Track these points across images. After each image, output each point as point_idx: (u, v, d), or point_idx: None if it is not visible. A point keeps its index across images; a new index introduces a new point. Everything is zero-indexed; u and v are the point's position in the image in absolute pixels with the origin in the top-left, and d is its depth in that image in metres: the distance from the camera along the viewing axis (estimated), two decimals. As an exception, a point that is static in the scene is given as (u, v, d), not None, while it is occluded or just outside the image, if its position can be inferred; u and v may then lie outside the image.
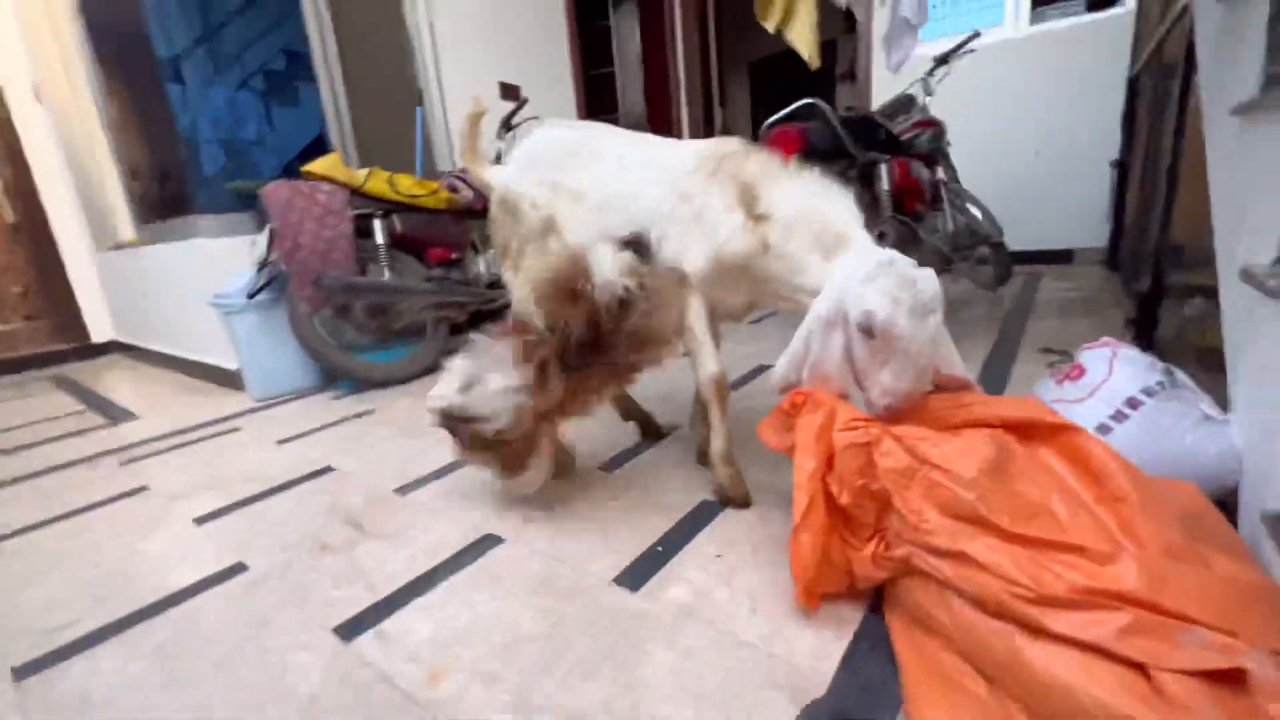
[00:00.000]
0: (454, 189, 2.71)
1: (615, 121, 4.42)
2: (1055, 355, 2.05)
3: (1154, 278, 1.90)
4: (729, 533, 1.17)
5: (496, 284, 2.75)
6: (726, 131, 5.27)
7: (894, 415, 0.93)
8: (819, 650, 0.85)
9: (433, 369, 2.62)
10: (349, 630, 1.00)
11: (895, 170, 2.56)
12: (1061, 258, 3.79)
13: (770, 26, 1.75)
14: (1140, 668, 0.59)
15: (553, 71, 3.94)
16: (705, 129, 4.80)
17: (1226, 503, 0.88)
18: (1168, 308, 1.97)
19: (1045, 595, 0.64)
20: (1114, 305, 2.67)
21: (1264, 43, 0.95)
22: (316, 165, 2.32)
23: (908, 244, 2.60)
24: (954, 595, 0.73)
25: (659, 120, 4.62)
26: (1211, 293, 1.78)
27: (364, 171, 2.43)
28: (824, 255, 1.07)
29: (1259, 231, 0.89)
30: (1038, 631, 0.65)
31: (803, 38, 1.68)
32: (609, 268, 1.16)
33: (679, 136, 4.69)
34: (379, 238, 2.44)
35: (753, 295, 1.21)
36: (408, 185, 2.51)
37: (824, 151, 2.34)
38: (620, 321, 1.16)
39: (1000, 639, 0.68)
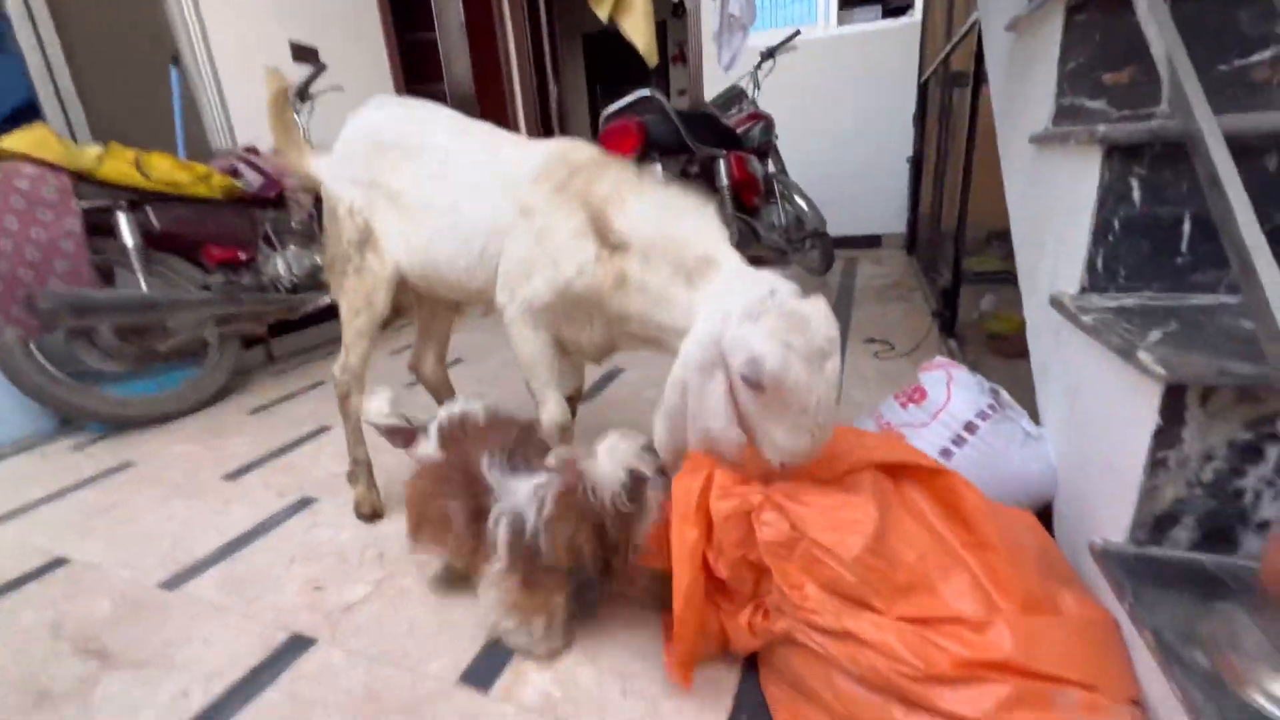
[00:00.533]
0: (234, 173, 2.21)
1: (441, 96, 3.98)
2: (878, 344, 2.22)
3: (954, 274, 2.11)
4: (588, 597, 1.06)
5: (303, 286, 2.32)
6: (562, 110, 5.05)
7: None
8: (698, 731, 0.78)
9: (221, 395, 2.14)
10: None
11: (733, 164, 2.59)
12: (871, 242, 4.20)
13: (603, 15, 1.59)
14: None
15: (361, 33, 3.41)
16: (540, 104, 4.54)
17: (1046, 513, 0.95)
18: (966, 296, 2.22)
19: (932, 673, 0.61)
20: (917, 289, 2.99)
21: (1055, 76, 1.02)
22: (13, 140, 1.72)
23: (749, 243, 2.66)
24: (835, 669, 0.68)
25: (489, 96, 4.26)
26: (999, 281, 2.02)
27: (94, 150, 1.86)
28: (688, 284, 0.90)
29: (1062, 258, 0.95)
30: (919, 707, 0.62)
31: (637, 29, 1.56)
32: (603, 460, 0.83)
33: (512, 113, 4.40)
34: (126, 237, 1.90)
35: (609, 335, 1.06)
36: (166, 169, 1.98)
37: (664, 146, 2.27)
38: (629, 532, 0.83)
39: (882, 714, 0.64)
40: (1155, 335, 0.70)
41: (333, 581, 1.13)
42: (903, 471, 0.80)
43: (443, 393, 1.52)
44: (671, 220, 0.95)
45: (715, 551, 0.75)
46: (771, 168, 3.08)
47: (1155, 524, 0.69)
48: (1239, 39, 0.86)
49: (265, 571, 1.17)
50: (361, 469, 1.33)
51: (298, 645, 0.98)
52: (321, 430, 1.84)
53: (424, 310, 1.44)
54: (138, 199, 1.93)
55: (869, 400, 1.66)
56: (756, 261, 0.92)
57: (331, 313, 3.11)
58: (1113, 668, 0.61)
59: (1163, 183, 0.82)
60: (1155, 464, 0.67)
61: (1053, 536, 0.88)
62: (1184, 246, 0.83)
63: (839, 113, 3.98)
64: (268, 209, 2.29)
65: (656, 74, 6.53)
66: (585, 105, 6.91)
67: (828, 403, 0.75)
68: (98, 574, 1.20)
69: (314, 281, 2.35)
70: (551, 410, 1.12)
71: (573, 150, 1.06)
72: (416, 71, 3.82)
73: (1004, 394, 1.00)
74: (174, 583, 1.16)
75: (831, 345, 0.75)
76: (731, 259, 0.91)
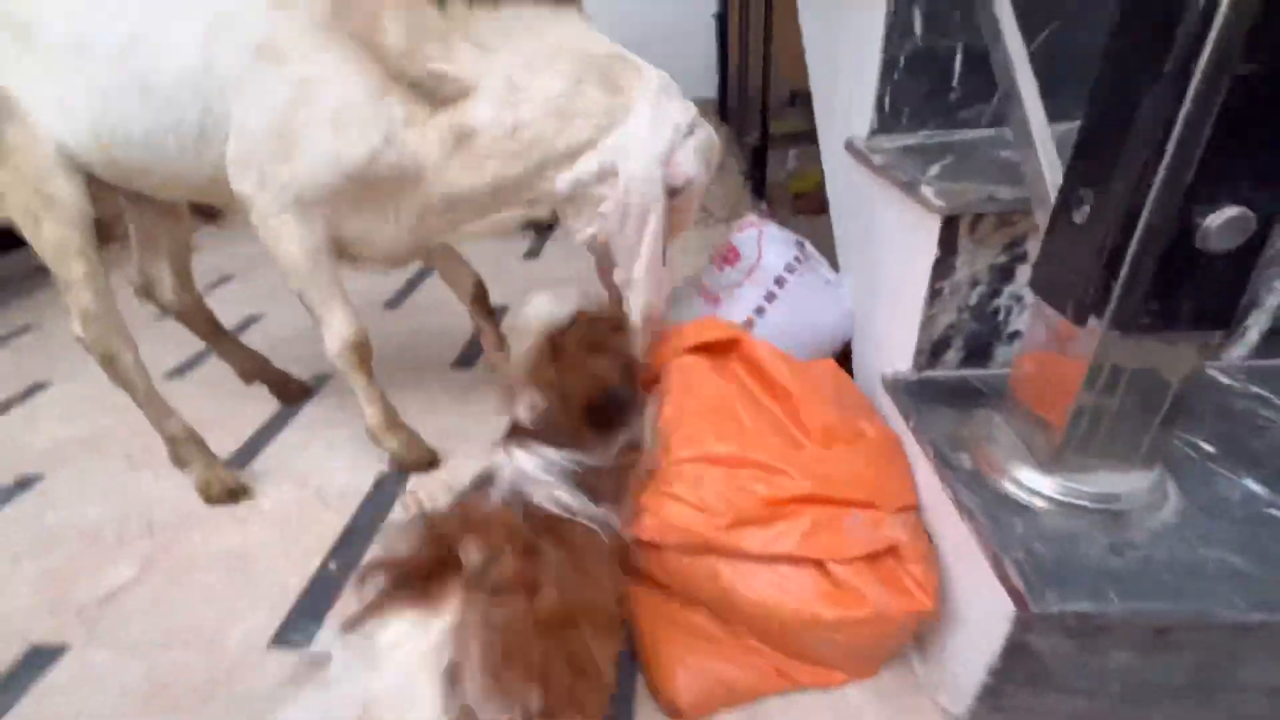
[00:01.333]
0: None
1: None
2: (709, 214, 2.22)
3: (761, 135, 2.13)
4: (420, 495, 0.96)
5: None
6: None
7: None
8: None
9: None
10: None
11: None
12: (686, 109, 4.12)
13: None
14: (819, 565, 0.63)
15: None
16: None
17: (845, 353, 1.02)
18: (771, 158, 2.27)
19: (740, 518, 0.63)
20: (731, 155, 3.01)
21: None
22: None
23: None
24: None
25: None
26: (804, 141, 2.07)
27: None
28: (607, 89, 0.76)
29: (854, 102, 0.95)
30: (735, 557, 0.64)
31: None
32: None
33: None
34: None
35: (423, 226, 0.85)
36: None
37: None
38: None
39: (708, 577, 0.66)
40: (934, 170, 0.73)
41: (83, 569, 0.91)
42: (719, 348, 0.80)
43: (198, 320, 1.19)
44: (533, 24, 0.75)
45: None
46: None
47: (932, 349, 0.76)
48: None
49: (-19, 573, 0.91)
50: (187, 444, 1.01)
51: (39, 659, 0.78)
52: (35, 388, 1.42)
53: (134, 212, 1.06)
54: None
55: (693, 268, 1.67)
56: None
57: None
58: (892, 481, 0.68)
59: (939, 10, 0.81)
60: (934, 294, 0.72)
61: (852, 374, 0.95)
62: (955, 81, 0.86)
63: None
64: None
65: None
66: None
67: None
68: None
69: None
70: (339, 328, 0.88)
71: None
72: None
73: (808, 245, 1.02)
74: None
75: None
76: (632, 54, 0.80)
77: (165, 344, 1.45)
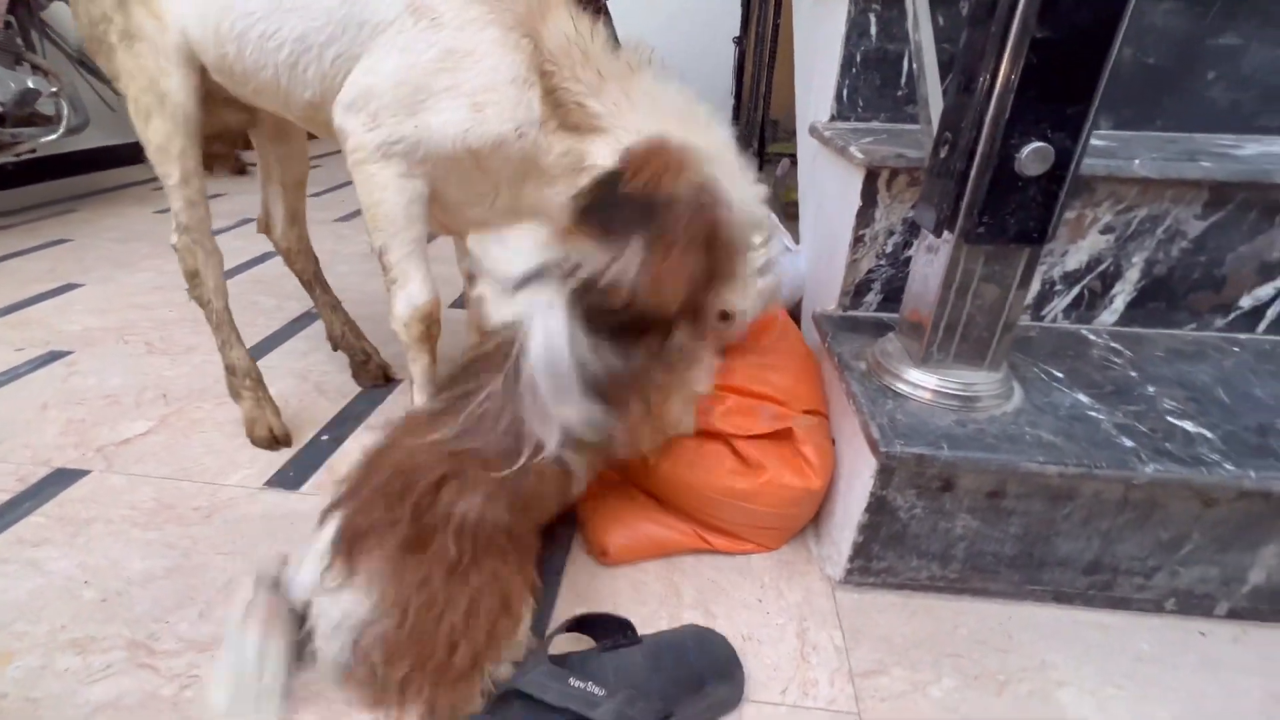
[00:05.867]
0: None
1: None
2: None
3: (759, 149, 2.31)
4: (406, 401, 1.09)
5: (11, 118, 1.83)
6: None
7: None
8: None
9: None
10: None
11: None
12: (699, 127, 4.32)
13: None
14: (730, 444, 0.76)
15: None
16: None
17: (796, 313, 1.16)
18: (766, 171, 2.44)
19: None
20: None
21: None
22: None
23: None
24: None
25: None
26: (793, 158, 2.23)
27: None
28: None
29: (821, 93, 1.10)
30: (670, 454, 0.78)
31: None
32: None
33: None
34: None
35: (511, 209, 0.81)
36: None
37: None
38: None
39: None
40: (867, 140, 0.87)
41: (104, 421, 1.03)
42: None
43: (300, 264, 1.12)
44: (682, 113, 0.73)
45: None
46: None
47: (855, 290, 0.90)
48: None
49: (8, 420, 1.03)
50: (244, 379, 0.97)
51: (62, 478, 0.90)
52: (69, 287, 1.55)
53: (258, 139, 1.02)
54: None
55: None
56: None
57: (67, 165, 2.52)
58: (803, 387, 0.82)
59: (892, 19, 0.97)
60: (856, 240, 0.86)
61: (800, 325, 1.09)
62: (904, 80, 1.01)
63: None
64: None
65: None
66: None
67: None
68: None
69: (26, 113, 1.87)
70: (414, 292, 0.79)
71: None
72: None
73: (774, 218, 1.17)
74: (-126, 438, 0.97)
75: None
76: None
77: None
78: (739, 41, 3.80)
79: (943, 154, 0.62)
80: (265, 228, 1.10)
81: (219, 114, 0.90)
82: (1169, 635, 0.69)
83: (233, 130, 0.98)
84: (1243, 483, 0.59)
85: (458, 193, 0.79)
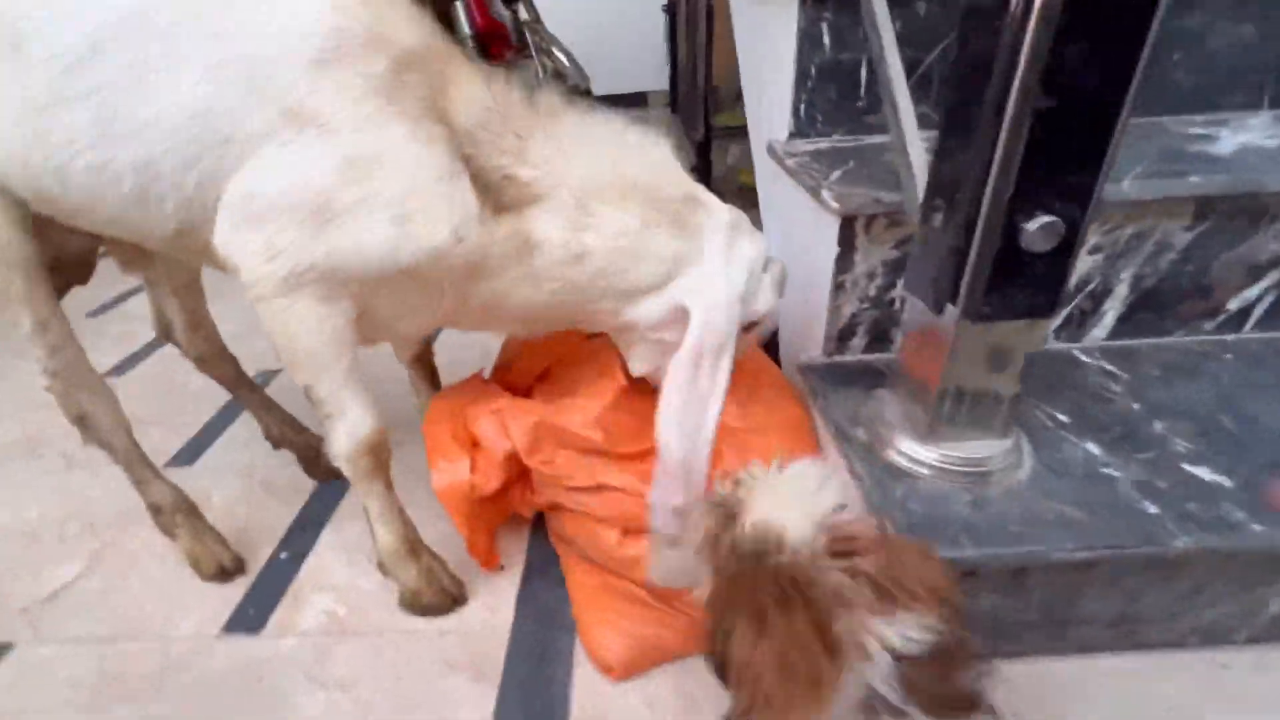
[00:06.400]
0: None
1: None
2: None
3: (704, 129, 2.20)
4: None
5: None
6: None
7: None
8: (492, 601, 0.81)
9: None
10: None
11: (473, 9, 2.27)
12: (637, 100, 4.15)
13: None
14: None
15: None
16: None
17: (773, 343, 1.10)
18: (716, 148, 2.35)
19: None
20: (681, 148, 3.07)
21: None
22: None
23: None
24: (594, 523, 0.74)
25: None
26: (744, 134, 2.14)
27: None
28: (676, 232, 0.66)
29: (775, 107, 1.02)
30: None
31: None
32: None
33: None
34: None
35: (460, 316, 0.73)
36: None
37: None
38: None
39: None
40: (836, 175, 0.80)
41: (24, 569, 0.91)
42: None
43: (217, 369, 0.98)
44: (616, 147, 0.67)
45: (482, 471, 0.74)
46: (524, 15, 2.78)
47: (839, 336, 0.84)
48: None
49: (-90, 584, 0.90)
50: (173, 515, 0.86)
51: (-15, 655, 0.79)
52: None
53: (125, 252, 0.85)
54: None
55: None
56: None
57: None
58: (806, 440, 0.77)
59: (845, 27, 0.89)
60: (837, 286, 0.79)
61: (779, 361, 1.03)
62: (862, 90, 0.94)
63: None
64: None
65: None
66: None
67: None
68: None
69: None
70: (355, 423, 0.69)
71: (383, 7, 0.60)
72: None
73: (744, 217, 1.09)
74: None
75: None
76: (705, 191, 0.72)
77: (101, 340, 1.43)
78: (669, 9, 3.62)
79: (936, 222, 0.55)
80: (165, 334, 0.94)
81: (63, 241, 0.75)
82: (1192, 675, 0.68)
83: (88, 253, 0.82)
84: (1274, 543, 0.57)
85: (391, 309, 0.68)
